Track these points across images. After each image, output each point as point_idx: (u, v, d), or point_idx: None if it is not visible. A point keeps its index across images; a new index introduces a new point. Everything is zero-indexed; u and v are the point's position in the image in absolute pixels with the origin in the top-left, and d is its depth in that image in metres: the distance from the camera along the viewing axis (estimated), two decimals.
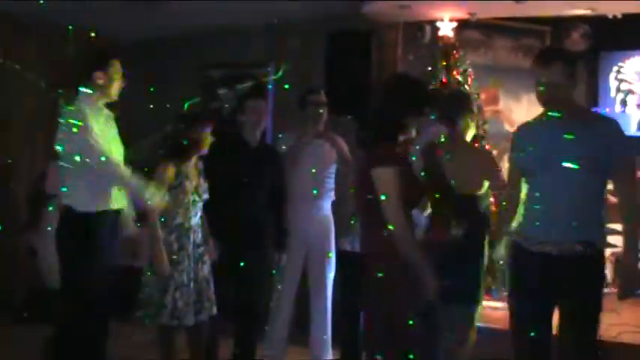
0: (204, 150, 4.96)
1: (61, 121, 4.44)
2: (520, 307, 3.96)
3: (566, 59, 3.87)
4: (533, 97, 7.60)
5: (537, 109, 7.23)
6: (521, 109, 7.62)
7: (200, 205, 5.00)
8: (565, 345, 3.88)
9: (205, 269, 5.00)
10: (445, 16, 7.04)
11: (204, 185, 5.01)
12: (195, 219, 4.98)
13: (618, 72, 8.37)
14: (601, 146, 3.77)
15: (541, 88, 3.86)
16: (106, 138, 4.51)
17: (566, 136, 3.77)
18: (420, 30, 7.48)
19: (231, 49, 8.03)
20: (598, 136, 3.79)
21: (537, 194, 3.89)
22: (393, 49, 7.59)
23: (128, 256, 5.83)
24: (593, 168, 3.77)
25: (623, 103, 8.34)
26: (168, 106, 5.43)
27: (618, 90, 8.38)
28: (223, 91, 8.00)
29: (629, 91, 8.34)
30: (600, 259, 3.89)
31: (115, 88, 4.63)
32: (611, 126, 3.88)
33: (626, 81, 8.35)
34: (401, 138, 3.76)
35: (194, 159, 4.98)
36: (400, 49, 7.60)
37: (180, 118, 5.01)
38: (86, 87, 4.55)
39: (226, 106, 7.94)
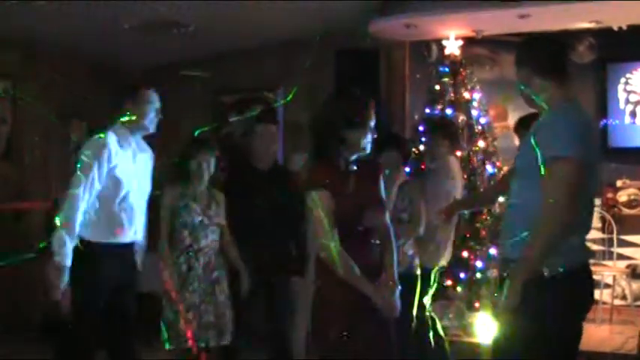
0: (208, 173, 4.99)
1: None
2: None
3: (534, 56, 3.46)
4: None
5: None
6: None
7: (213, 228, 5.00)
8: None
9: (221, 294, 4.98)
10: (451, 34, 7.09)
11: (216, 209, 5.02)
12: (206, 241, 4.97)
13: (626, 83, 8.37)
14: (529, 149, 3.23)
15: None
16: (126, 172, 4.35)
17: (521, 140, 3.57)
18: (427, 48, 7.55)
19: (242, 74, 8.08)
20: (530, 136, 3.27)
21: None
22: (401, 67, 7.66)
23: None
24: (526, 175, 3.30)
25: (633, 114, 8.35)
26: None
27: (627, 101, 8.38)
28: (234, 116, 8.04)
29: (638, 103, 8.35)
30: (544, 284, 3.17)
31: (148, 120, 4.43)
32: (542, 121, 3.32)
33: (634, 92, 8.36)
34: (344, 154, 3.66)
35: (203, 182, 5.00)
36: (407, 67, 7.67)
37: (187, 142, 5.07)
38: (116, 118, 4.40)
39: (237, 131, 7.99)
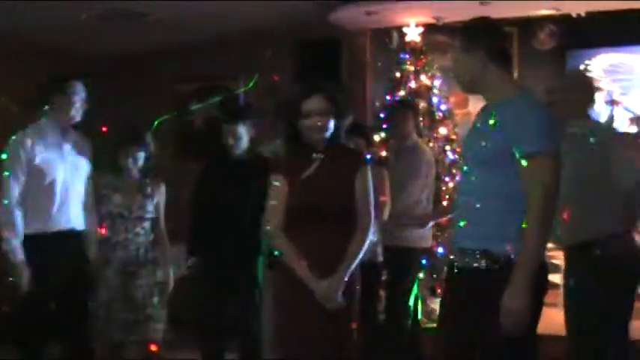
0: (134, 164, 4.80)
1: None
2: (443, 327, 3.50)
3: (466, 35, 3.34)
4: None
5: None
6: None
7: (135, 222, 4.78)
8: None
9: (138, 290, 4.74)
10: (411, 21, 7.09)
11: (143, 201, 4.81)
12: (125, 234, 4.75)
13: (586, 70, 8.43)
14: (498, 139, 3.14)
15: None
16: (50, 162, 4.50)
17: (474, 127, 3.32)
18: (388, 36, 7.55)
19: (202, 63, 8.03)
20: (497, 126, 3.16)
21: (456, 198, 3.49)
22: (362, 55, 7.65)
23: None
24: (492, 165, 3.18)
25: None
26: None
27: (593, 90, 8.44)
28: (195, 104, 7.99)
29: (598, 89, 8.41)
30: (503, 277, 3.09)
31: (74, 111, 4.56)
32: (516, 113, 3.14)
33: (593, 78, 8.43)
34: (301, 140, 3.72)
35: (129, 173, 4.81)
36: (369, 55, 7.66)
37: (118, 131, 4.94)
38: (44, 110, 4.58)
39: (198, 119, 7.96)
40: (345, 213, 3.66)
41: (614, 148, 3.81)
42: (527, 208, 3.06)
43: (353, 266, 3.64)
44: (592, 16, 6.95)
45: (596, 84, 4.06)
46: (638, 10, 6.70)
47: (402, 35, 7.29)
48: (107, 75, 8.02)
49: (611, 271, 3.73)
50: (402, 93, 6.97)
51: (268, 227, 3.77)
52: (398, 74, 7.11)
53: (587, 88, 4.04)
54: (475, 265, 3.18)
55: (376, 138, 6.57)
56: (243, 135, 4.90)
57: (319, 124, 3.62)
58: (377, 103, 7.34)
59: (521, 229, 3.08)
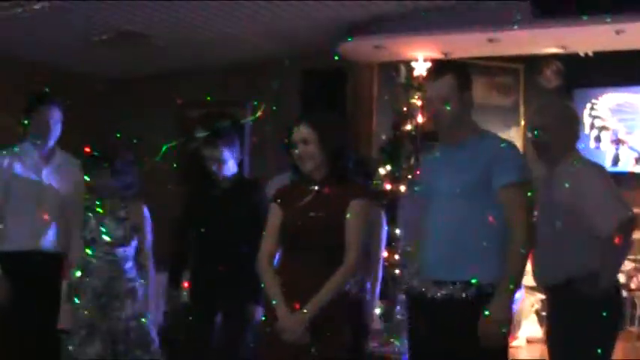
0: (101, 186, 4.59)
1: None
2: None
3: (459, 72, 3.50)
4: (509, 133, 7.70)
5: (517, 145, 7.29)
6: None
7: (110, 248, 4.52)
8: None
9: (113, 322, 4.48)
10: (419, 56, 7.12)
11: (114, 226, 4.55)
12: (99, 262, 4.51)
13: (592, 109, 8.45)
14: (477, 173, 3.35)
15: (429, 103, 3.54)
16: (21, 183, 4.61)
17: (445, 162, 3.47)
18: (395, 69, 7.58)
19: (209, 89, 8.05)
20: (475, 161, 3.38)
21: (424, 228, 3.52)
22: (368, 88, 7.68)
23: None
24: (471, 196, 3.34)
25: (597, 139, 8.42)
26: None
27: (592, 126, 8.45)
28: (200, 131, 7.98)
29: (603, 128, 8.42)
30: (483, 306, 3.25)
31: (49, 132, 4.66)
32: (492, 149, 3.41)
33: (599, 117, 8.43)
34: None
35: (102, 195, 4.60)
36: (376, 88, 7.69)
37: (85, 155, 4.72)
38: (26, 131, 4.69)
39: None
40: (334, 247, 3.49)
41: (594, 186, 3.68)
42: (511, 232, 3.28)
43: (323, 301, 3.41)
44: (599, 56, 6.97)
45: (580, 118, 3.97)
46: None
47: (410, 69, 7.31)
48: (116, 98, 8.11)
49: (593, 309, 3.60)
50: (408, 127, 6.98)
51: (260, 251, 3.67)
52: (405, 108, 7.13)
53: (572, 122, 3.94)
54: (455, 296, 3.29)
55: (382, 171, 6.57)
56: (226, 159, 4.73)
57: (302, 152, 3.55)
58: (383, 137, 7.35)
59: (500, 258, 3.28)
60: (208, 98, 7.62)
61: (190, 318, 4.83)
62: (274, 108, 6.92)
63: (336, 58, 7.02)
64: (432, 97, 3.47)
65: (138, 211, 4.63)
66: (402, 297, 4.77)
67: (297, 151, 3.57)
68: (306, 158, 3.55)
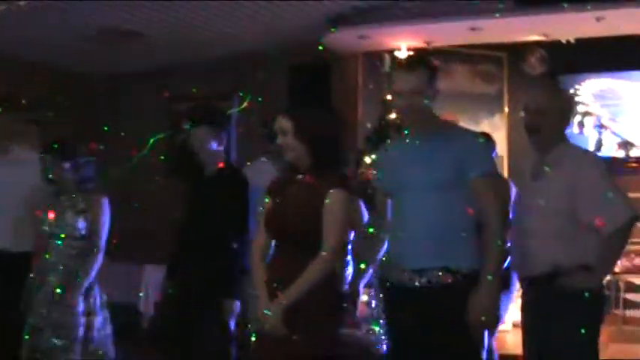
0: (64, 179, 4.60)
1: None
2: (393, 349, 3.62)
3: (430, 65, 3.56)
4: (494, 121, 7.73)
5: (498, 134, 7.35)
6: None
7: (61, 240, 4.53)
8: None
9: (67, 315, 4.47)
10: (402, 45, 7.17)
11: (73, 218, 4.54)
12: (53, 255, 4.53)
13: (575, 94, 8.50)
14: (452, 164, 3.43)
15: (399, 96, 3.53)
16: None
17: (416, 154, 3.51)
18: (380, 59, 7.62)
19: (197, 83, 8.07)
20: (450, 153, 3.45)
21: (396, 219, 3.60)
22: (354, 78, 7.72)
23: None
24: (447, 187, 3.43)
25: (581, 124, 8.49)
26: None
27: (575, 112, 8.51)
28: (188, 122, 8.00)
29: (586, 113, 8.49)
30: (469, 287, 3.37)
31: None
32: (465, 141, 3.54)
33: (582, 103, 8.49)
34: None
35: (61, 188, 4.62)
36: (361, 78, 7.74)
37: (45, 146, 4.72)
38: None
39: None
40: (312, 237, 3.48)
41: (584, 176, 3.63)
42: (487, 222, 3.40)
43: (299, 292, 3.42)
44: (581, 42, 7.04)
45: (574, 103, 3.91)
46: (627, 37, 6.80)
47: (394, 58, 7.35)
48: (104, 94, 8.14)
49: (579, 300, 3.54)
50: (392, 115, 7.01)
51: (254, 241, 3.75)
52: (390, 97, 7.16)
53: (565, 108, 3.88)
54: (436, 282, 3.38)
55: (367, 160, 6.60)
56: (208, 140, 4.63)
57: (281, 142, 3.60)
58: (368, 125, 7.39)
59: (476, 245, 3.41)
60: (194, 90, 7.65)
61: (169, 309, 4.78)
62: (260, 99, 6.95)
63: (321, 48, 7.06)
64: (404, 89, 3.48)
65: (98, 204, 4.61)
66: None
67: (278, 141, 3.64)
68: (286, 149, 3.60)
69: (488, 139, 4.95)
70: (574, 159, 3.71)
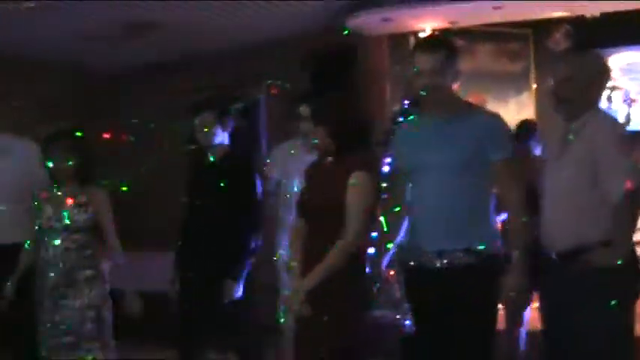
0: (60, 171, 4.48)
1: None
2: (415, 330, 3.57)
3: (451, 46, 3.63)
4: (521, 99, 7.72)
5: (526, 112, 7.33)
6: (510, 113, 7.70)
7: (66, 234, 4.42)
8: None
9: (69, 312, 4.40)
10: (427, 26, 7.17)
11: (73, 211, 4.43)
12: (55, 250, 4.41)
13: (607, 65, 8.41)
14: (473, 146, 3.48)
15: (420, 76, 3.55)
16: None
17: (437, 135, 3.53)
18: (405, 41, 7.63)
19: (219, 73, 8.12)
20: (470, 134, 3.49)
21: (415, 200, 3.62)
22: (380, 60, 7.73)
23: None
24: (468, 168, 3.47)
25: (609, 99, 8.43)
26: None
27: (608, 80, 8.43)
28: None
29: (615, 88, 8.43)
30: (491, 268, 3.45)
31: None
32: (487, 124, 3.57)
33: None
34: None
35: (59, 181, 4.50)
36: (387, 60, 7.75)
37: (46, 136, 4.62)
38: None
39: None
40: (336, 219, 3.49)
41: (609, 146, 3.47)
42: (509, 205, 3.53)
43: (321, 276, 3.44)
44: (607, 16, 6.99)
45: (606, 71, 3.77)
46: None
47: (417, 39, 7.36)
48: (120, 86, 8.21)
49: (608, 278, 3.42)
50: (416, 96, 7.01)
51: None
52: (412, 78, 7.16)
53: (594, 76, 3.64)
54: (458, 263, 3.44)
55: None
56: (210, 127, 4.67)
57: (303, 128, 3.85)
58: (395, 108, 7.41)
59: (496, 225, 3.57)
60: (215, 81, 7.70)
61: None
62: (287, 86, 7.01)
63: (346, 32, 7.08)
64: (424, 69, 3.51)
65: (98, 196, 4.52)
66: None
67: (301, 127, 3.74)
68: (308, 133, 3.73)
69: None
70: (594, 124, 3.55)
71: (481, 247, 3.44)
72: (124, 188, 6.02)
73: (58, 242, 4.39)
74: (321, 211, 3.55)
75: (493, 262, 3.47)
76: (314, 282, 3.44)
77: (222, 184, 4.64)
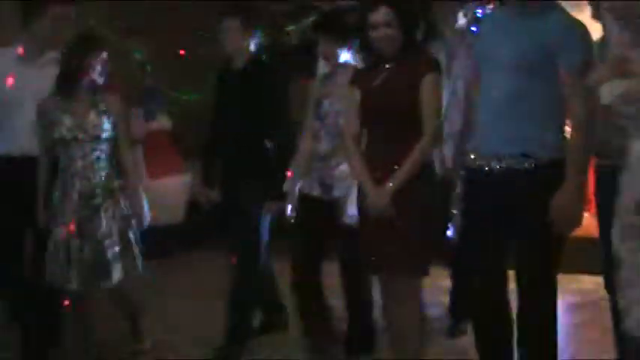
0: (92, 79, 4.28)
1: None
2: (469, 233, 3.65)
3: None
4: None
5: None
6: None
7: (93, 145, 4.23)
8: (520, 281, 3.51)
9: (104, 226, 4.22)
10: None
11: (98, 119, 4.25)
12: (83, 162, 4.21)
13: None
14: (541, 47, 3.30)
15: None
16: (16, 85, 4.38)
17: (507, 31, 3.41)
18: None
19: None
20: (541, 34, 3.31)
21: (482, 101, 3.55)
22: None
23: None
24: (533, 71, 3.32)
25: None
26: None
27: None
28: (290, 25, 7.83)
29: None
30: (548, 177, 3.33)
31: (51, 37, 4.42)
32: (560, 22, 3.34)
33: None
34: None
35: (77, 89, 4.29)
36: None
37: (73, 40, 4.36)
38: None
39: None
40: (412, 120, 3.64)
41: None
42: (573, 119, 3.32)
43: (408, 174, 3.60)
44: None
45: None
46: None
47: None
48: None
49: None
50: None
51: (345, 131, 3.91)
52: None
53: None
54: (514, 168, 3.35)
55: None
56: (234, 33, 4.64)
57: (385, 35, 3.63)
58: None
59: (559, 132, 3.38)
60: None
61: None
62: None
63: None
64: None
65: (116, 104, 4.37)
66: None
67: (376, 33, 3.66)
68: (388, 41, 3.65)
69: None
70: None
71: (539, 154, 3.34)
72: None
73: (86, 154, 4.24)
74: (395, 113, 3.64)
75: (551, 171, 3.34)
76: (401, 181, 3.59)
77: (247, 91, 4.64)
